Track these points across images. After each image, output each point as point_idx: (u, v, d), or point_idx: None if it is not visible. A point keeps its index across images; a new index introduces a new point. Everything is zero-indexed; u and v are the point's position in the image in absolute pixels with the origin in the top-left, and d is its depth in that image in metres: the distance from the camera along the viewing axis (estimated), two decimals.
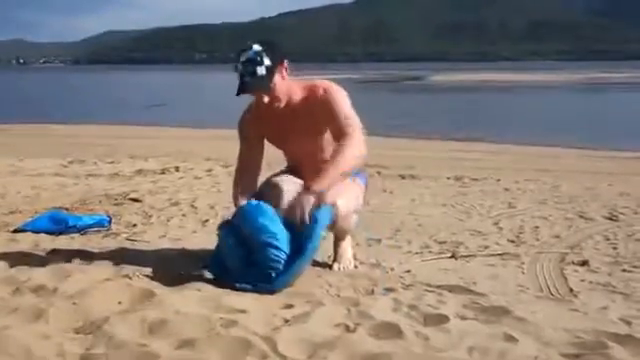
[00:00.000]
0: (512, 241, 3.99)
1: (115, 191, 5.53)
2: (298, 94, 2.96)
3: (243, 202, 2.87)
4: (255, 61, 2.78)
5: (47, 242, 3.62)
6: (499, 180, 6.58)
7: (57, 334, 2.13)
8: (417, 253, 3.66)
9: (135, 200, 5.08)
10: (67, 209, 4.64)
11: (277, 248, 2.65)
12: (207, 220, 4.41)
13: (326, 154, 2.97)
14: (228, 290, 2.64)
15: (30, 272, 2.90)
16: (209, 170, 6.92)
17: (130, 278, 2.77)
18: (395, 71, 73.75)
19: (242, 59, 2.80)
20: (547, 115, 20.54)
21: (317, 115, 2.93)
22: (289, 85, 2.91)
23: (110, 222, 4.14)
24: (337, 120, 2.89)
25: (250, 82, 2.78)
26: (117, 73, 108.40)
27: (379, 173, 6.89)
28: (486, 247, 3.82)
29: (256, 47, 2.81)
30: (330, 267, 3.15)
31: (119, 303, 2.42)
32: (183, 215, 4.57)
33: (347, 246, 3.26)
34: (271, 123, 3.02)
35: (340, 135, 2.89)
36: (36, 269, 2.96)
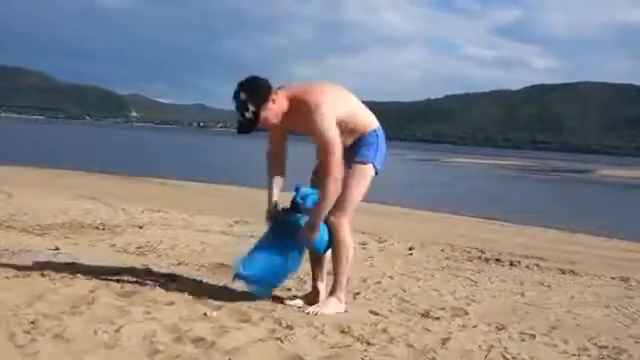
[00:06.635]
0: None
1: None
2: (293, 105, 3.49)
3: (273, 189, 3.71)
4: (242, 108, 3.42)
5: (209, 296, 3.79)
6: None
7: None
8: (574, 355, 3.46)
9: None
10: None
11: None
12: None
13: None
14: None
15: (192, 323, 3.09)
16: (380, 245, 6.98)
17: (282, 342, 2.90)
18: (560, 162, 70.61)
19: (234, 105, 3.45)
20: None
21: (305, 124, 3.46)
22: (280, 105, 3.47)
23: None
24: (317, 137, 3.47)
25: (243, 123, 3.44)
26: None
27: (537, 265, 6.65)
28: None
29: (242, 96, 3.40)
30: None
31: None
32: None
33: (329, 301, 3.65)
34: (283, 127, 3.61)
35: (320, 152, 3.51)
36: (197, 321, 3.15)
